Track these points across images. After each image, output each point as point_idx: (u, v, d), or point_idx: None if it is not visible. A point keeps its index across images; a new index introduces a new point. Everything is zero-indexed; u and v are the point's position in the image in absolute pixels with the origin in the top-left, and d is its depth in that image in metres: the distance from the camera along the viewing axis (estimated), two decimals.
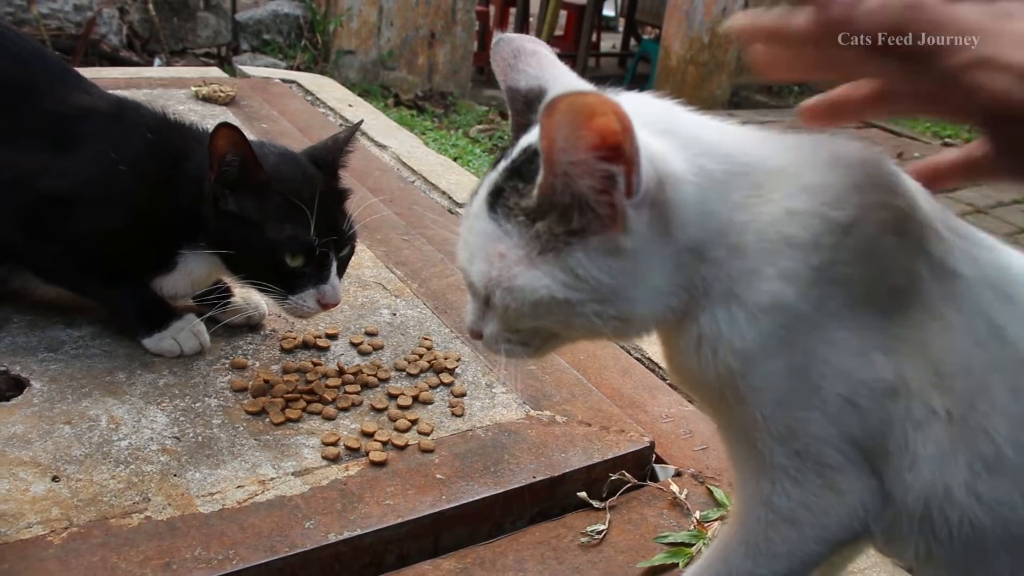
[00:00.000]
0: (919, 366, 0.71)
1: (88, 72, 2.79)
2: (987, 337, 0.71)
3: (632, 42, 8.98)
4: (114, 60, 4.33)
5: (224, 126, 1.13)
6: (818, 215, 0.72)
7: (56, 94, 1.25)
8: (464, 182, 2.17)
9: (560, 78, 0.84)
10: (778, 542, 0.78)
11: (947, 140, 5.98)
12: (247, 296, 1.38)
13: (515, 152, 0.77)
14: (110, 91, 1.37)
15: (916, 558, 0.77)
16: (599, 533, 1.10)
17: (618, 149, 0.66)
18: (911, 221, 0.73)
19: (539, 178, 0.69)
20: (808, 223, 0.72)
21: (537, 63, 0.85)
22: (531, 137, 0.75)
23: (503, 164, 0.77)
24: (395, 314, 1.48)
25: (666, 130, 0.74)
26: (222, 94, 2.45)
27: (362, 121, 1.53)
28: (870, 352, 0.71)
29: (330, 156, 1.27)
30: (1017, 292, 0.73)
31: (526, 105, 0.82)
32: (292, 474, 1.08)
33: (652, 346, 1.53)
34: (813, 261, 0.71)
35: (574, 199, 0.69)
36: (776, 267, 0.72)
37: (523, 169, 0.73)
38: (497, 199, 0.74)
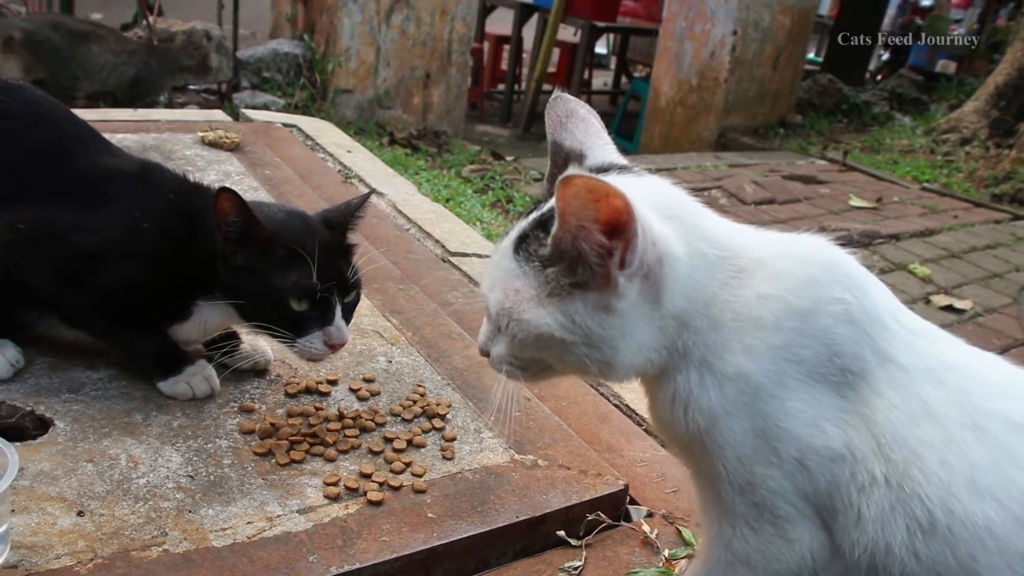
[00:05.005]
0: (864, 437, 0.83)
1: (96, 114, 2.89)
2: (921, 416, 0.83)
3: (623, 79, 9.18)
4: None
5: (224, 191, 1.24)
6: (781, 299, 0.85)
7: (86, 157, 1.37)
8: (456, 231, 2.28)
9: (600, 149, 0.97)
10: None
11: (925, 185, 6.15)
12: (254, 343, 1.48)
13: (545, 208, 0.90)
14: (120, 135, 1.48)
15: None
16: (576, 569, 1.21)
17: (620, 230, 0.79)
18: (861, 314, 0.85)
19: (554, 228, 0.83)
20: (772, 307, 0.85)
21: (585, 129, 0.98)
22: None
23: (534, 215, 0.91)
24: (391, 361, 1.59)
25: (673, 215, 0.87)
26: (227, 140, 2.56)
27: (373, 191, 1.66)
28: (821, 422, 0.84)
29: (341, 218, 1.40)
30: (947, 379, 0.86)
31: (565, 161, 0.96)
32: (297, 511, 1.18)
33: (629, 393, 1.64)
34: (774, 341, 0.84)
35: (579, 255, 0.82)
36: (742, 343, 0.84)
37: (548, 224, 0.86)
38: (521, 244, 0.88)
